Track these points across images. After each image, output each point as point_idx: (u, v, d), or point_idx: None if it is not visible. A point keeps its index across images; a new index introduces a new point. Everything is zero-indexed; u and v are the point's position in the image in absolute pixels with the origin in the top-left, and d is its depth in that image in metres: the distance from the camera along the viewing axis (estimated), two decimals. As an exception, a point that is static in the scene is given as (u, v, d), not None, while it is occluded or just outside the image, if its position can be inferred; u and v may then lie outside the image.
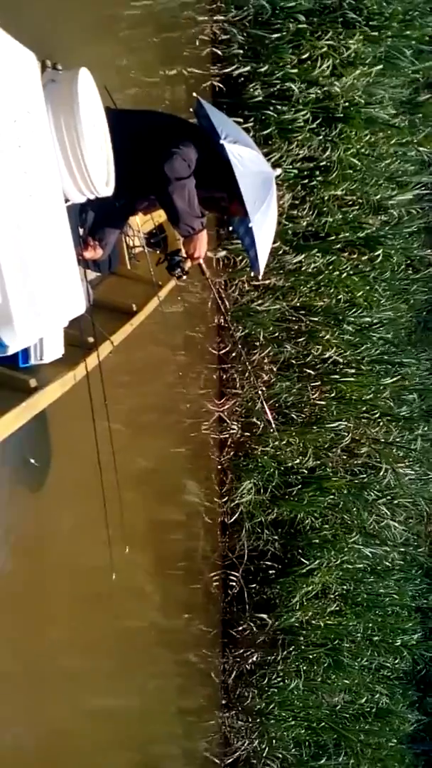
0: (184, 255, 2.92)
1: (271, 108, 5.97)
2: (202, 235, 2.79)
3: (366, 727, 7.80)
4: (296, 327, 6.73)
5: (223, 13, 5.89)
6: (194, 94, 2.98)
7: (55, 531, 3.44)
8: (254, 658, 7.07)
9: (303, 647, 7.03)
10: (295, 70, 5.98)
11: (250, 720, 7.20)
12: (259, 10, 5.85)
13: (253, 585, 7.08)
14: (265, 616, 6.94)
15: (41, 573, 3.30)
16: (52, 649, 3.40)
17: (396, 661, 8.11)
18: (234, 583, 7.06)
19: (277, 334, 6.66)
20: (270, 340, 6.63)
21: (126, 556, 2.71)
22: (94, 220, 2.80)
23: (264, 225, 2.82)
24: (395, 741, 8.27)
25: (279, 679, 7.05)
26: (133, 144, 2.58)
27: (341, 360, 6.83)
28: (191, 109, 3.01)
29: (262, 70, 5.94)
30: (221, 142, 2.63)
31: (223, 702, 7.28)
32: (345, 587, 7.33)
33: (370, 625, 7.67)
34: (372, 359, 7.04)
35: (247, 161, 2.70)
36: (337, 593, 7.26)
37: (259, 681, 7.08)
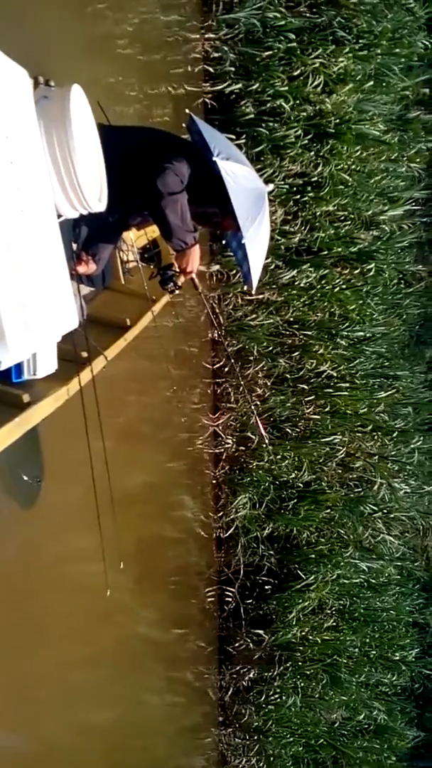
0: (177, 269, 2.92)
1: (263, 125, 6.03)
2: (194, 250, 2.80)
3: (364, 744, 7.73)
4: (290, 341, 6.75)
5: (214, 32, 5.95)
6: (186, 111, 3.00)
7: (48, 547, 3.42)
8: (251, 675, 7.03)
9: (300, 663, 6.99)
10: (286, 88, 6.04)
11: (247, 737, 7.14)
12: (250, 28, 5.92)
13: (249, 601, 7.05)
14: (261, 632, 6.91)
15: (34, 589, 3.28)
16: (47, 667, 3.37)
17: (394, 678, 8.06)
18: (230, 599, 7.02)
19: (271, 349, 6.68)
20: (264, 354, 6.64)
21: (120, 572, 2.69)
22: (87, 235, 2.80)
23: (257, 240, 2.83)
24: (394, 758, 8.19)
25: (276, 695, 7.00)
26: (125, 159, 2.60)
27: (335, 374, 6.84)
28: (183, 125, 3.03)
29: (254, 87, 6.01)
30: (214, 158, 2.64)
31: (220, 719, 7.22)
32: (341, 602, 7.30)
33: (368, 640, 7.63)
34: (366, 373, 7.06)
35: (240, 178, 2.72)
36: (333, 608, 7.23)
37: (256, 698, 7.03)
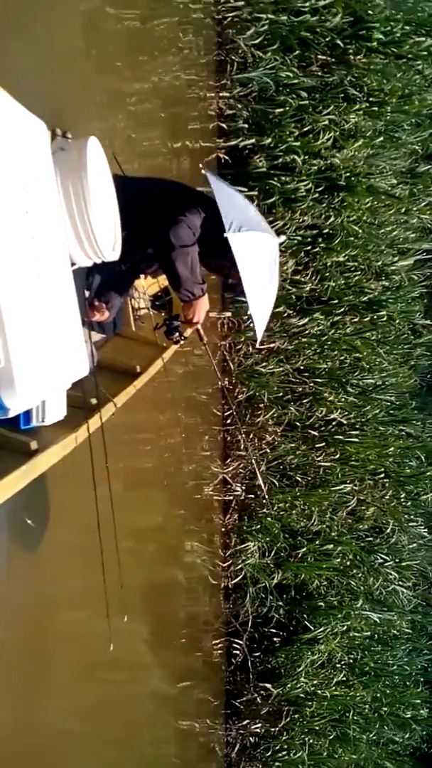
0: (183, 320, 2.92)
1: (275, 179, 6.16)
2: (201, 301, 2.81)
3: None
4: (300, 389, 6.77)
5: (228, 90, 6.14)
6: (201, 167, 3.03)
7: (51, 595, 3.38)
8: (258, 730, 6.83)
9: (308, 719, 6.80)
10: (298, 143, 6.19)
11: (254, 797, 6.90)
12: (264, 86, 6.10)
13: (257, 653, 6.90)
14: (269, 686, 6.74)
15: (36, 640, 3.23)
16: (44, 719, 3.29)
17: (406, 736, 7.79)
18: (238, 651, 6.88)
19: (281, 396, 6.69)
20: (274, 401, 6.65)
21: (125, 624, 2.64)
22: (100, 283, 2.84)
23: (264, 301, 2.81)
24: None
25: (284, 752, 6.78)
26: (139, 210, 2.64)
27: (345, 422, 6.82)
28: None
29: (266, 142, 6.16)
30: (226, 235, 2.61)
31: (226, 777, 6.99)
32: (352, 656, 7.12)
33: (378, 695, 7.41)
34: (377, 421, 7.03)
35: (252, 249, 2.68)
36: (343, 662, 7.05)
37: (263, 754, 6.82)
